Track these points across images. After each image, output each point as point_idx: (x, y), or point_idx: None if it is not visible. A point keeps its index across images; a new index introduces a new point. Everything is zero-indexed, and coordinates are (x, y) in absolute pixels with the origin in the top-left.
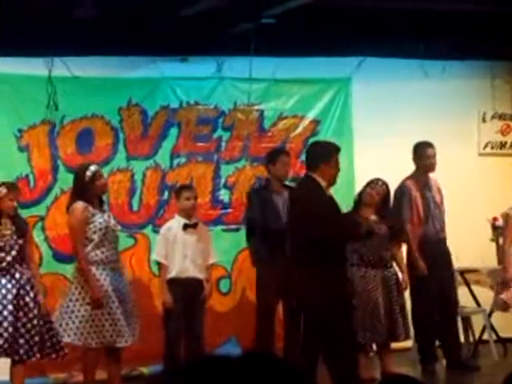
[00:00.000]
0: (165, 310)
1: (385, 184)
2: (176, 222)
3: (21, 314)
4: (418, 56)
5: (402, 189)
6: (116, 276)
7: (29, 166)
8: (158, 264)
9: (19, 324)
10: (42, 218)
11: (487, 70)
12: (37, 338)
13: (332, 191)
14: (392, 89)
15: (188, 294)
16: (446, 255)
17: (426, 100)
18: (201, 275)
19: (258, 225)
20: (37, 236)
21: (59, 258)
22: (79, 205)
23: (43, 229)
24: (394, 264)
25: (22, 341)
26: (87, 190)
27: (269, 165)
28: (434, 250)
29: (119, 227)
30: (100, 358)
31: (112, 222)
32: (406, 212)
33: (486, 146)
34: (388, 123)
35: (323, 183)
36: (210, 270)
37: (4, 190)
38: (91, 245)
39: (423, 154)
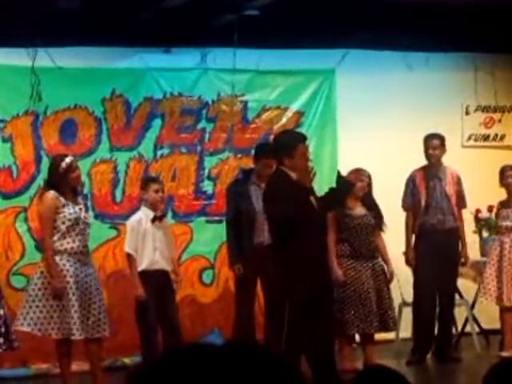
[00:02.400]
0: (138, 302)
1: (366, 171)
2: (144, 214)
3: None
4: (401, 48)
5: (408, 178)
6: (82, 268)
7: (12, 156)
8: (128, 256)
9: None
10: (25, 209)
11: (470, 62)
12: None
13: (315, 183)
14: (375, 81)
15: (159, 285)
16: (450, 246)
17: (410, 92)
18: (168, 267)
19: (231, 223)
20: (19, 227)
21: (41, 248)
22: (50, 194)
23: (26, 219)
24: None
25: None
26: (60, 180)
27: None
28: (436, 240)
29: (90, 220)
30: (80, 349)
31: (83, 214)
32: (407, 201)
33: (469, 139)
34: (371, 115)
35: (293, 175)
36: (175, 261)
37: None
38: (58, 234)
39: (425, 145)
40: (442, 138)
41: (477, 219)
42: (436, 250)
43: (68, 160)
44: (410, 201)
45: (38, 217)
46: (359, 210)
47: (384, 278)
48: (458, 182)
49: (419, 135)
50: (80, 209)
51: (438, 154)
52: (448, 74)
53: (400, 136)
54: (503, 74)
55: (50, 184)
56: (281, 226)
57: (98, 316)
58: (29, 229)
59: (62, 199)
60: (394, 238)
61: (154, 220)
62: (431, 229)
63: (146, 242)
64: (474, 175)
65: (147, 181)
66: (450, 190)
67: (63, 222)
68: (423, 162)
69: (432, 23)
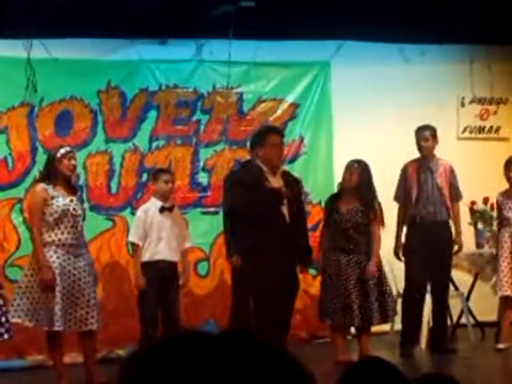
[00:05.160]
0: (139, 292)
1: (362, 163)
2: (152, 205)
3: None
4: (397, 40)
5: (401, 170)
6: (71, 260)
7: (7, 147)
8: (133, 245)
9: None
10: (20, 200)
11: (466, 54)
12: None
13: (310, 175)
14: (371, 73)
15: (162, 276)
16: (442, 238)
17: (405, 84)
18: (175, 258)
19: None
20: (15, 218)
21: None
22: (38, 186)
23: (22, 211)
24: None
25: None
26: (54, 170)
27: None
28: (427, 232)
29: (79, 212)
30: (74, 341)
31: (73, 206)
32: (398, 193)
33: (464, 131)
34: (367, 107)
35: (265, 168)
36: (187, 254)
37: None
38: (46, 226)
39: (417, 137)
40: (433, 130)
41: (472, 211)
42: (426, 243)
43: (62, 150)
44: (402, 193)
45: (27, 209)
46: (348, 205)
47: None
48: (451, 174)
49: (415, 127)
50: (71, 200)
51: (430, 145)
52: (444, 65)
53: (395, 128)
54: (499, 66)
55: (43, 174)
56: (232, 215)
57: (86, 309)
58: (24, 220)
59: (52, 191)
60: (389, 231)
61: (161, 210)
62: (422, 221)
63: (151, 231)
64: (469, 167)
65: (158, 171)
66: (442, 182)
67: (51, 214)
68: (418, 153)
69: (428, 15)
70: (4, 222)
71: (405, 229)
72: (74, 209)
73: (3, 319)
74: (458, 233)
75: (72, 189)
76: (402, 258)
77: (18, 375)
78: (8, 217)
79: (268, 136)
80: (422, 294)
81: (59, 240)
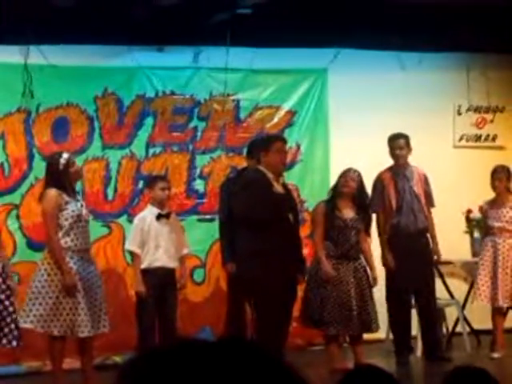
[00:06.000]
0: (138, 299)
1: (357, 172)
2: (149, 212)
3: None
4: (394, 48)
5: (375, 180)
6: (85, 265)
7: (4, 153)
8: (131, 254)
9: None
10: (16, 206)
11: (463, 62)
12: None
13: (307, 183)
14: (368, 80)
15: (161, 283)
16: (423, 246)
17: (402, 92)
18: (173, 265)
19: (224, 222)
20: (11, 224)
21: (33, 246)
22: (52, 191)
23: (18, 217)
24: (362, 257)
25: None
26: (61, 177)
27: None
28: (409, 240)
29: (90, 216)
30: (71, 347)
31: (84, 211)
32: (377, 203)
33: (461, 139)
34: (364, 114)
35: (269, 174)
36: (184, 260)
37: None
38: (61, 232)
39: (391, 145)
40: (406, 138)
41: (468, 219)
42: (410, 251)
43: (66, 156)
44: (380, 202)
45: (42, 215)
46: (347, 212)
47: (366, 280)
48: (426, 181)
49: (411, 135)
50: (82, 205)
51: (404, 153)
52: (440, 74)
53: None
54: (495, 74)
55: (51, 182)
56: (240, 219)
57: (98, 313)
58: (20, 226)
59: (65, 196)
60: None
61: (158, 217)
62: (404, 230)
63: (149, 239)
64: (465, 175)
65: (154, 179)
66: (418, 189)
67: (66, 219)
68: (413, 161)
69: (425, 23)
70: (0, 228)
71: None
72: (86, 214)
73: (12, 326)
74: (436, 242)
75: (76, 194)
76: (391, 266)
77: (13, 381)
78: (4, 223)
79: (274, 142)
80: (407, 302)
81: (75, 246)
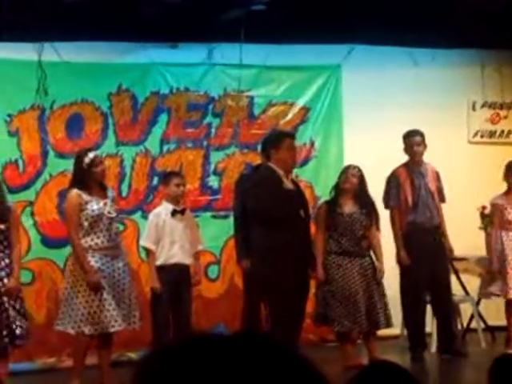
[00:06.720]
0: (153, 296)
1: (357, 167)
2: (164, 208)
3: None
4: (407, 44)
5: (390, 176)
6: (109, 262)
7: (18, 150)
8: (146, 250)
9: None
10: (30, 203)
11: (477, 58)
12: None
13: (321, 179)
14: (382, 76)
15: (176, 280)
16: (438, 242)
17: (416, 88)
18: (188, 261)
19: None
20: (25, 221)
21: (48, 243)
22: (73, 192)
23: (32, 214)
24: (372, 253)
25: None
26: (84, 176)
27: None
28: (425, 237)
29: (113, 214)
30: (91, 343)
31: (107, 209)
32: (392, 199)
33: (475, 135)
34: (377, 111)
35: (280, 171)
36: (199, 257)
37: None
38: (82, 232)
39: (408, 142)
40: (422, 134)
41: (482, 215)
42: (427, 248)
43: (91, 155)
44: (396, 198)
45: (66, 215)
46: (350, 208)
47: (374, 276)
48: (438, 177)
49: (425, 131)
50: (105, 204)
51: (421, 150)
52: (454, 70)
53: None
54: (510, 70)
55: (75, 181)
56: (253, 216)
57: (128, 309)
58: (35, 223)
59: (86, 196)
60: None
61: (173, 214)
62: (420, 226)
63: (164, 235)
64: (479, 171)
65: (169, 175)
66: (432, 186)
67: (86, 219)
68: (429, 158)
69: (438, 19)
70: None
71: None
72: (109, 212)
73: (17, 323)
74: (447, 236)
75: (104, 191)
76: (406, 263)
77: (27, 378)
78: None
79: (284, 139)
80: (422, 298)
81: (96, 244)
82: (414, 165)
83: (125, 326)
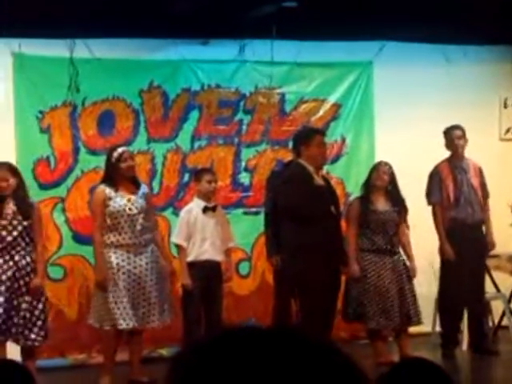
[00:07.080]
0: (184, 292)
1: (388, 164)
2: (195, 205)
3: (13, 296)
4: (438, 41)
5: (433, 172)
6: (132, 259)
7: (50, 147)
8: (177, 247)
9: (10, 306)
10: (62, 200)
11: (508, 54)
12: (21, 322)
13: (352, 176)
14: (413, 73)
15: (207, 276)
16: (479, 238)
17: (447, 85)
18: (219, 258)
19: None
20: (57, 218)
21: (79, 239)
22: (99, 188)
23: (63, 210)
24: (402, 250)
25: (10, 323)
26: (112, 171)
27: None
28: (467, 233)
29: (135, 211)
30: (121, 339)
31: (128, 206)
32: (435, 195)
33: (507, 132)
34: (409, 108)
35: (310, 167)
36: (230, 253)
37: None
38: (105, 228)
39: (449, 136)
40: (463, 129)
41: None
42: (467, 244)
43: (120, 150)
44: (439, 194)
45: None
46: (382, 205)
47: (406, 273)
48: (481, 173)
49: None
50: (128, 200)
51: (462, 143)
52: (486, 66)
53: (437, 129)
54: None
55: (105, 176)
56: (284, 213)
57: (147, 307)
58: (66, 220)
59: (110, 192)
60: (430, 232)
61: (205, 210)
62: (462, 223)
63: (195, 232)
64: (511, 168)
65: (201, 171)
66: (475, 181)
67: (109, 216)
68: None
69: (470, 15)
70: (46, 222)
71: None
72: (130, 208)
73: (39, 323)
74: (491, 232)
75: (135, 186)
76: (451, 258)
77: (59, 374)
78: (50, 216)
79: (314, 136)
80: (462, 295)
81: (117, 241)
82: (456, 160)
83: (138, 326)
